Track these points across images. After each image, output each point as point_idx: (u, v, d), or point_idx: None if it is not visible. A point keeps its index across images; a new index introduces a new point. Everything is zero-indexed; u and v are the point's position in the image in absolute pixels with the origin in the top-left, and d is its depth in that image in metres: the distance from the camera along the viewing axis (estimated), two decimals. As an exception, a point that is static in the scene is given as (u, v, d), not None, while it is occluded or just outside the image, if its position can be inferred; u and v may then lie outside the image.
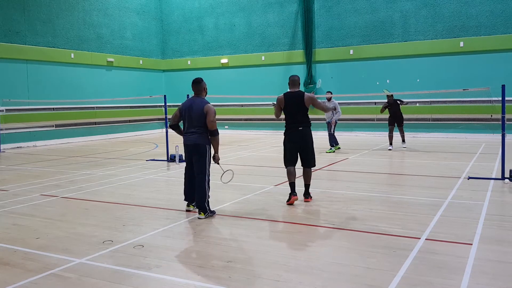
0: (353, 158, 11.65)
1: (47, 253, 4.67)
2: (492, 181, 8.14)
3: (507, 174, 8.12)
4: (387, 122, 13.67)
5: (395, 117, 13.34)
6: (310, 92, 18.83)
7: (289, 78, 6.83)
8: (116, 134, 19.96)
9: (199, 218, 5.89)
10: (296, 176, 6.79)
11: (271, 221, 5.78)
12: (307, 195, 6.80)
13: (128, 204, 6.85)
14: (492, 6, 16.28)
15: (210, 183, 6.11)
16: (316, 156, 6.89)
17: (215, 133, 6.04)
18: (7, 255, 4.65)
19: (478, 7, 16.49)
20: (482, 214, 5.86)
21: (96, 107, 19.11)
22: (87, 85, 18.68)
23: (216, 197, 7.19)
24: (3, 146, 15.23)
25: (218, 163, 6.20)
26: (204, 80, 6.31)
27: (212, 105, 6.07)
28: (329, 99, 13.38)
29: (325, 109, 7.17)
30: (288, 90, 6.81)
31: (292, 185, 6.68)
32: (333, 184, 8.42)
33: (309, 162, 6.73)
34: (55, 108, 17.51)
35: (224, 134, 20.65)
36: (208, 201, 6.02)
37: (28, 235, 5.33)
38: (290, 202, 6.59)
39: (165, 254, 4.60)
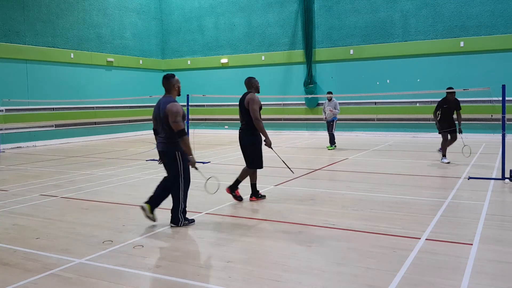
0: (353, 158, 11.65)
1: (47, 253, 4.67)
2: (492, 181, 8.14)
3: (507, 174, 8.11)
4: (438, 127, 10.61)
5: (450, 125, 10.44)
6: (311, 92, 18.89)
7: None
8: (116, 134, 19.96)
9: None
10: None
11: (271, 221, 5.78)
12: (251, 194, 6.95)
13: (128, 204, 6.85)
14: (492, 6, 16.28)
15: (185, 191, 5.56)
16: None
17: (181, 134, 5.29)
18: (7, 255, 4.65)
19: (478, 7, 16.49)
20: (482, 214, 5.86)
21: (96, 107, 19.11)
22: (87, 85, 18.68)
23: (216, 197, 7.19)
24: (3, 146, 15.22)
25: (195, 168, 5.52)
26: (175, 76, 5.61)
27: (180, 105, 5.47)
28: (330, 99, 13.59)
29: (254, 117, 6.61)
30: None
31: (236, 181, 6.93)
32: (333, 184, 8.42)
33: (247, 163, 6.86)
34: (55, 108, 17.51)
35: (224, 134, 20.65)
36: (182, 210, 5.55)
37: (28, 235, 5.33)
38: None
39: (165, 254, 4.60)
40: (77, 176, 9.57)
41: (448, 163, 10.34)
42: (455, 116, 10.52)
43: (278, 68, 20.03)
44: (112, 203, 6.92)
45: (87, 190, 7.98)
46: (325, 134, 14.09)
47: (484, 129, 16.26)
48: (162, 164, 5.64)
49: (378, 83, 18.07)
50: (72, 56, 18.05)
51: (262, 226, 5.62)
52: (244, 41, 20.86)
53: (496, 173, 8.85)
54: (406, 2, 17.60)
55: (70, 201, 7.17)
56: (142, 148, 15.25)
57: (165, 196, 5.66)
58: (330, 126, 13.77)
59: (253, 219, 5.92)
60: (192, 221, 5.68)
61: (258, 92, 7.02)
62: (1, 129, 15.37)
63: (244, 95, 6.89)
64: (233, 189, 6.96)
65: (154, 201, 5.62)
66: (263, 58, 20.45)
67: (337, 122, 14.00)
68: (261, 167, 6.84)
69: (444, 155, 10.58)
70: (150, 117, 21.56)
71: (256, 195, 7.01)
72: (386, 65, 18.02)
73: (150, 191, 7.80)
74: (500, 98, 8.23)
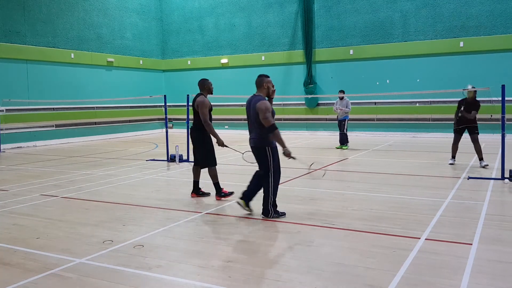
0: (353, 158, 11.65)
1: (47, 253, 4.67)
2: (492, 181, 8.14)
3: (507, 174, 8.12)
4: (453, 127, 10.24)
5: (466, 121, 9.84)
6: (311, 93, 18.88)
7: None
8: (116, 134, 19.97)
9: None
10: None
11: (271, 221, 5.78)
12: (216, 193, 7.12)
13: (128, 204, 6.85)
14: (492, 6, 16.28)
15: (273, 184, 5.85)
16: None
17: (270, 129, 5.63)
18: (7, 255, 4.65)
19: (478, 7, 16.49)
20: (482, 214, 5.87)
21: (96, 107, 19.12)
22: (87, 85, 18.69)
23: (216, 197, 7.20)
24: (3, 146, 15.23)
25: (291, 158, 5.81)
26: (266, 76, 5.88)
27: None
28: (341, 98, 13.76)
29: (203, 119, 7.01)
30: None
31: (194, 183, 7.27)
32: (333, 184, 8.42)
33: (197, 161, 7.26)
34: (55, 108, 17.52)
35: (224, 134, 20.64)
36: (272, 203, 5.86)
37: (28, 235, 5.33)
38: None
39: (165, 254, 4.60)
40: (77, 176, 9.57)
41: (451, 164, 10.21)
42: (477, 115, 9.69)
43: (278, 68, 20.02)
44: (112, 203, 6.92)
45: (87, 190, 7.99)
46: (325, 134, 14.08)
47: (483, 129, 16.12)
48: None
49: (378, 83, 18.06)
50: (72, 56, 18.06)
51: (262, 226, 5.62)
52: (244, 41, 20.86)
53: (496, 173, 8.85)
54: (406, 2, 17.60)
55: (70, 201, 7.18)
56: (142, 148, 15.25)
57: (257, 190, 6.04)
58: (341, 125, 13.88)
59: (253, 219, 5.93)
60: (283, 214, 5.90)
61: (211, 94, 7.15)
62: (1, 129, 15.38)
63: (196, 96, 7.09)
64: (197, 191, 7.22)
65: (247, 196, 6.04)
66: (263, 58, 20.45)
67: (348, 121, 14.07)
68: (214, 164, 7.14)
69: (452, 156, 10.26)
70: (150, 117, 22.02)
71: (219, 193, 7.08)
72: (386, 65, 18.02)
73: (150, 191, 7.84)
74: (500, 98, 8.23)
